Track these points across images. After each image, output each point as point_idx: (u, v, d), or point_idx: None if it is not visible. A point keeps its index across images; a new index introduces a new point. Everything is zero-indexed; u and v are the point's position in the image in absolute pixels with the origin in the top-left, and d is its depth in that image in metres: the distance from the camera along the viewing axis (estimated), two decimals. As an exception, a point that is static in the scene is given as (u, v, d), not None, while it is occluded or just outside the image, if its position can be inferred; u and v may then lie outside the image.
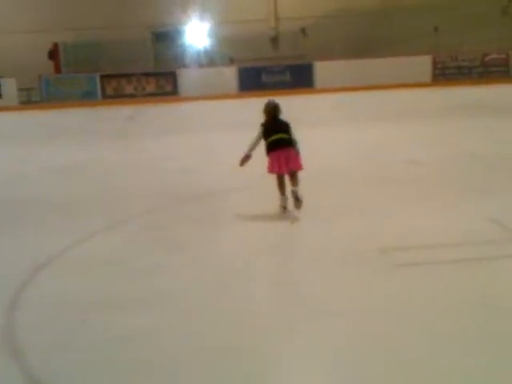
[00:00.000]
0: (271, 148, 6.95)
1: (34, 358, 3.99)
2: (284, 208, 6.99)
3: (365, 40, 26.59)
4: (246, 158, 7.09)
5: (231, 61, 26.87)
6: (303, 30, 28.09)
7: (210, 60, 26.69)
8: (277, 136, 6.97)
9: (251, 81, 25.71)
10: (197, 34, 27.54)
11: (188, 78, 25.63)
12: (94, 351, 4.06)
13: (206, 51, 27.18)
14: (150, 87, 25.68)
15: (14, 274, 5.51)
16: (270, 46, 28.83)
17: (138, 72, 25.85)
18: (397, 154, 10.62)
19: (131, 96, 25.34)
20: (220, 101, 23.49)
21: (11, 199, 8.95)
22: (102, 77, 25.59)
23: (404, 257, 5.47)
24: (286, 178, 6.93)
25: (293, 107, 20.09)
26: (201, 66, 26.43)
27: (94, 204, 8.34)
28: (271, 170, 6.93)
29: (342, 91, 23.85)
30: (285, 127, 7.11)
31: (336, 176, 9.07)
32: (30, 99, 25.84)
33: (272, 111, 7.24)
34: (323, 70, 25.81)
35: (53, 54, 26.71)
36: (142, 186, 9.39)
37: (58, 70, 26.79)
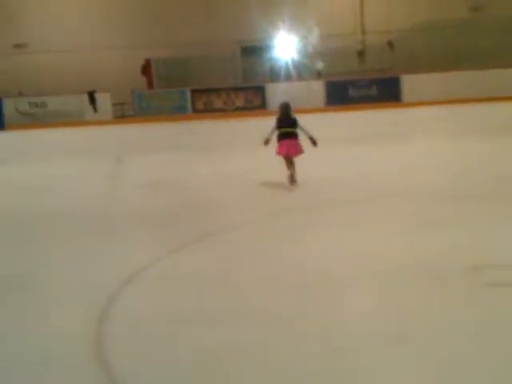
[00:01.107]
0: (281, 137, 9.62)
1: (122, 370, 4.07)
2: (292, 178, 9.57)
3: (453, 52, 26.27)
4: (267, 142, 9.70)
5: (318, 75, 27.05)
6: (390, 43, 28.00)
7: (297, 74, 26.92)
8: (285, 129, 9.59)
9: (338, 95, 25.82)
10: (284, 48, 27.86)
11: (276, 92, 25.93)
12: (180, 365, 4.10)
13: (293, 65, 27.44)
14: (239, 101, 26.15)
15: (104, 287, 5.60)
16: (356, 60, 28.86)
17: (228, 87, 26.37)
18: (487, 169, 10.50)
19: (221, 110, 25.87)
20: (307, 114, 23.62)
21: (103, 213, 9.17)
22: (193, 92, 26.24)
23: (496, 275, 5.26)
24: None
25: (381, 121, 20.25)
26: (289, 79, 26.70)
27: (183, 217, 8.49)
28: (278, 152, 9.67)
29: (431, 105, 23.64)
30: (293, 122, 9.66)
31: (426, 191, 9.03)
32: (124, 113, 26.72)
33: (284, 108, 9.84)
34: (411, 84, 25.62)
35: (145, 70, 27.54)
36: (231, 199, 9.58)
37: (150, 85, 27.62)
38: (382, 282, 5.36)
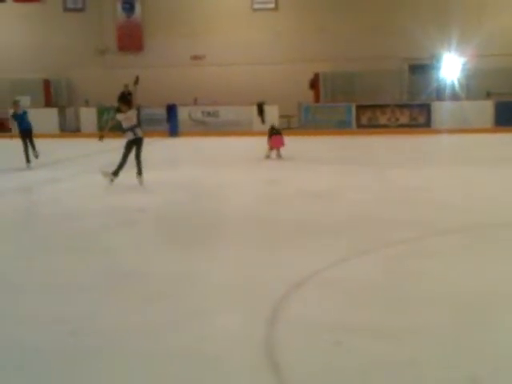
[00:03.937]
0: (271, 134, 17.33)
1: (290, 375, 4.25)
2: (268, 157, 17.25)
3: None
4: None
5: (488, 95, 26.48)
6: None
7: (465, 93, 26.52)
8: (274, 130, 17.42)
9: (508, 116, 25.14)
10: (452, 67, 27.50)
11: (442, 111, 25.72)
12: (345, 373, 4.22)
13: (461, 84, 27.03)
14: (403, 118, 26.13)
15: (271, 291, 5.82)
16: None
17: (393, 103, 26.46)
18: None
19: (384, 126, 25.99)
20: (474, 135, 23.29)
21: (269, 219, 9.56)
22: (358, 107, 26.56)
23: None
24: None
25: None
26: (455, 99, 26.35)
27: (346, 229, 8.68)
28: (274, 145, 17.23)
29: None
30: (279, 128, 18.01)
31: None
32: (290, 126, 27.46)
33: (271, 127, 17.77)
34: None
35: (314, 84, 28.15)
36: (393, 215, 9.59)
37: (317, 98, 28.19)
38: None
